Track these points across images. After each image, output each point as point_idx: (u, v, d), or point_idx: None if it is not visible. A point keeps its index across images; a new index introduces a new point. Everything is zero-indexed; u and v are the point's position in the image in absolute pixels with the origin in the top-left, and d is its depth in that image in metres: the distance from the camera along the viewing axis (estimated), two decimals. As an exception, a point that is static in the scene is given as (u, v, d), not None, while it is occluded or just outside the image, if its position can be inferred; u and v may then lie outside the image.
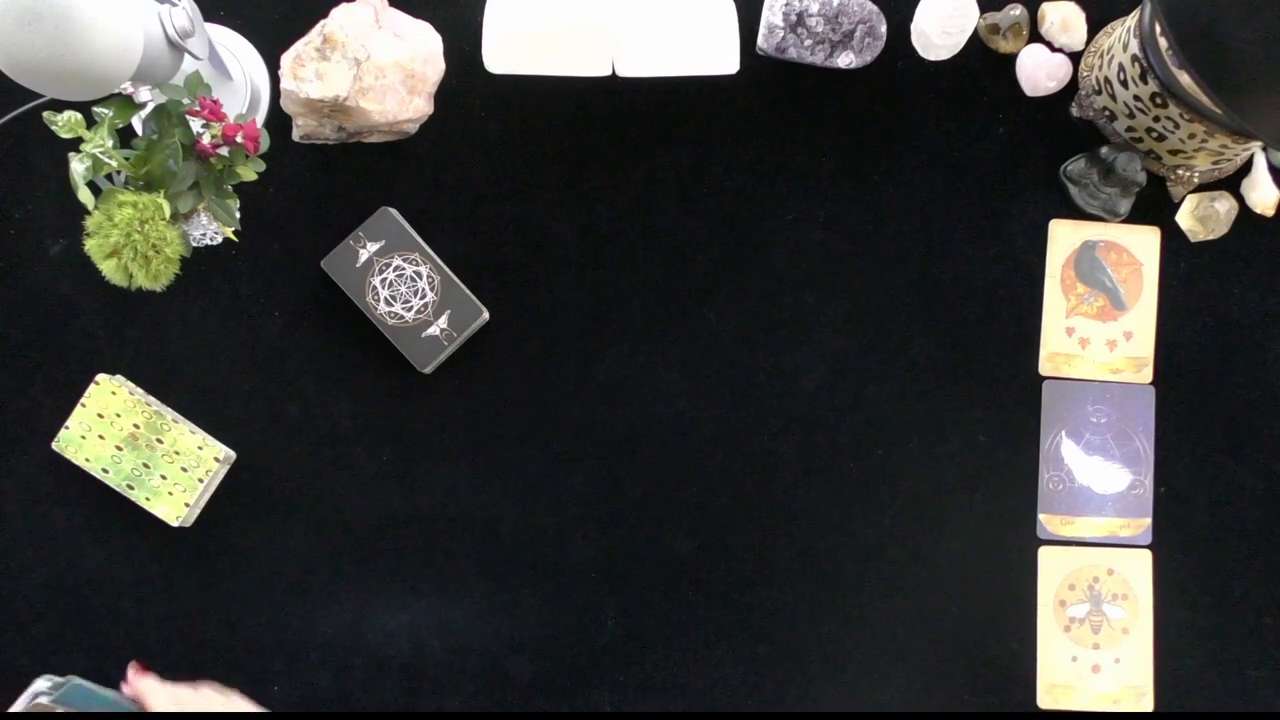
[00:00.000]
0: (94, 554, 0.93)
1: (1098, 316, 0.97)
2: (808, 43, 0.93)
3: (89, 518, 0.93)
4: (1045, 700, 0.95)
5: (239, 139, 0.81)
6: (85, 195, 0.76)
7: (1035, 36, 0.98)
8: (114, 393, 0.91)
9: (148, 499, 0.91)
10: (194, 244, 0.92)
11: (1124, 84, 0.91)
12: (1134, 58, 0.88)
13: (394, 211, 0.92)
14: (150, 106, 0.81)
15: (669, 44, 0.90)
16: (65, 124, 0.76)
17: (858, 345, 0.96)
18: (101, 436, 0.91)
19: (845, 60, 0.94)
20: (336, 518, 0.94)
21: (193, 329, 0.94)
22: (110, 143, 0.76)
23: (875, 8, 0.94)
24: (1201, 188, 0.97)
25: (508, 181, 0.96)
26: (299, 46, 0.87)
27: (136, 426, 0.91)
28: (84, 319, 0.94)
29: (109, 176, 0.78)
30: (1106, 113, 0.95)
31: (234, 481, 0.94)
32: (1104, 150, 0.95)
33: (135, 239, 0.77)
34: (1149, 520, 0.97)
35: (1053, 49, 0.97)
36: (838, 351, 0.96)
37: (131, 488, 0.91)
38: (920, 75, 0.97)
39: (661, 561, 0.94)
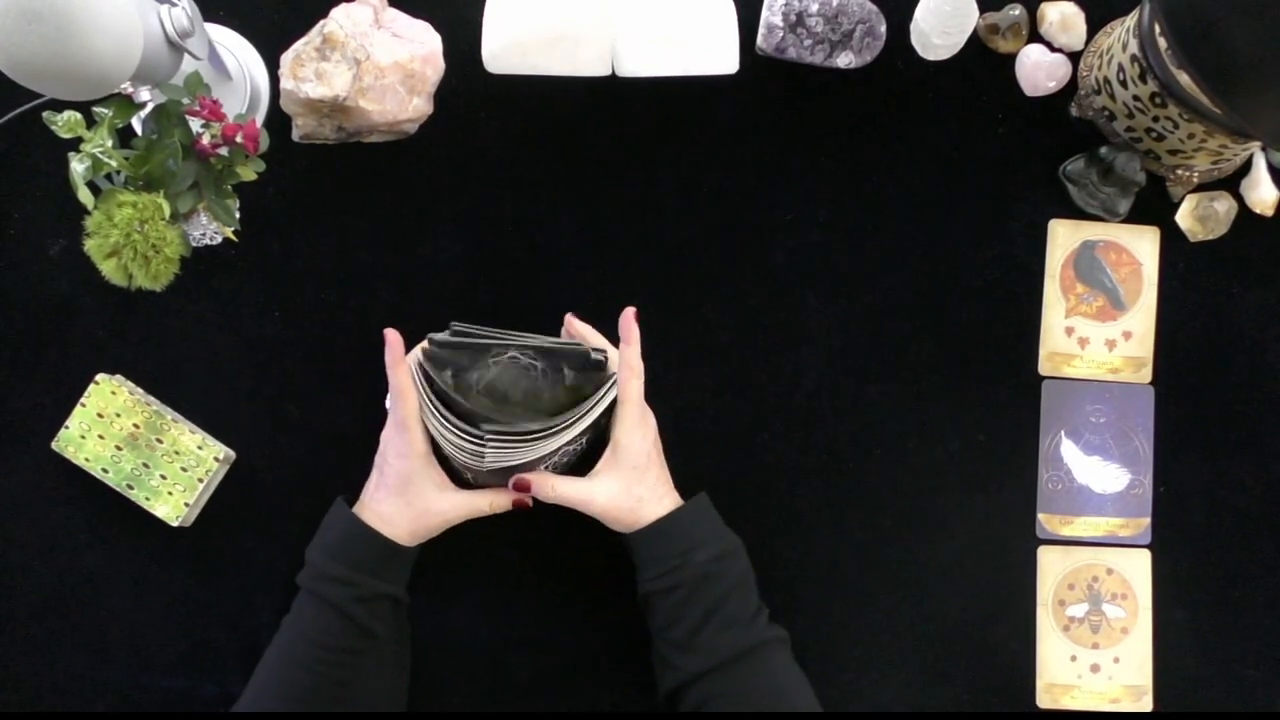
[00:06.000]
0: (94, 554, 0.93)
1: (1097, 316, 0.97)
2: (807, 43, 0.94)
3: (89, 518, 0.93)
4: (1044, 700, 0.96)
5: (239, 139, 0.81)
6: (85, 195, 0.76)
7: (1035, 36, 0.98)
8: (114, 392, 0.91)
9: (148, 499, 0.91)
10: (194, 244, 0.92)
11: (1123, 84, 0.91)
12: (1133, 58, 0.88)
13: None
14: (150, 106, 0.81)
15: (669, 44, 0.90)
16: (65, 124, 0.76)
17: (858, 345, 0.96)
18: (101, 436, 0.91)
19: (845, 60, 0.94)
20: (336, 518, 0.94)
21: (193, 329, 0.94)
22: (110, 143, 0.76)
23: (875, 8, 0.94)
24: (1201, 188, 0.97)
25: (508, 181, 0.96)
26: (299, 46, 0.87)
27: (136, 426, 0.91)
28: (84, 319, 0.94)
29: (109, 176, 0.78)
30: (1106, 113, 0.95)
31: (234, 481, 0.94)
32: (1103, 150, 0.95)
33: (135, 239, 0.77)
34: (1148, 520, 0.97)
35: (1052, 49, 0.97)
36: (838, 351, 0.96)
37: (131, 487, 0.91)
38: (920, 75, 0.97)
39: (661, 561, 0.94)
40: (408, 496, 0.84)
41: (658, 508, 0.85)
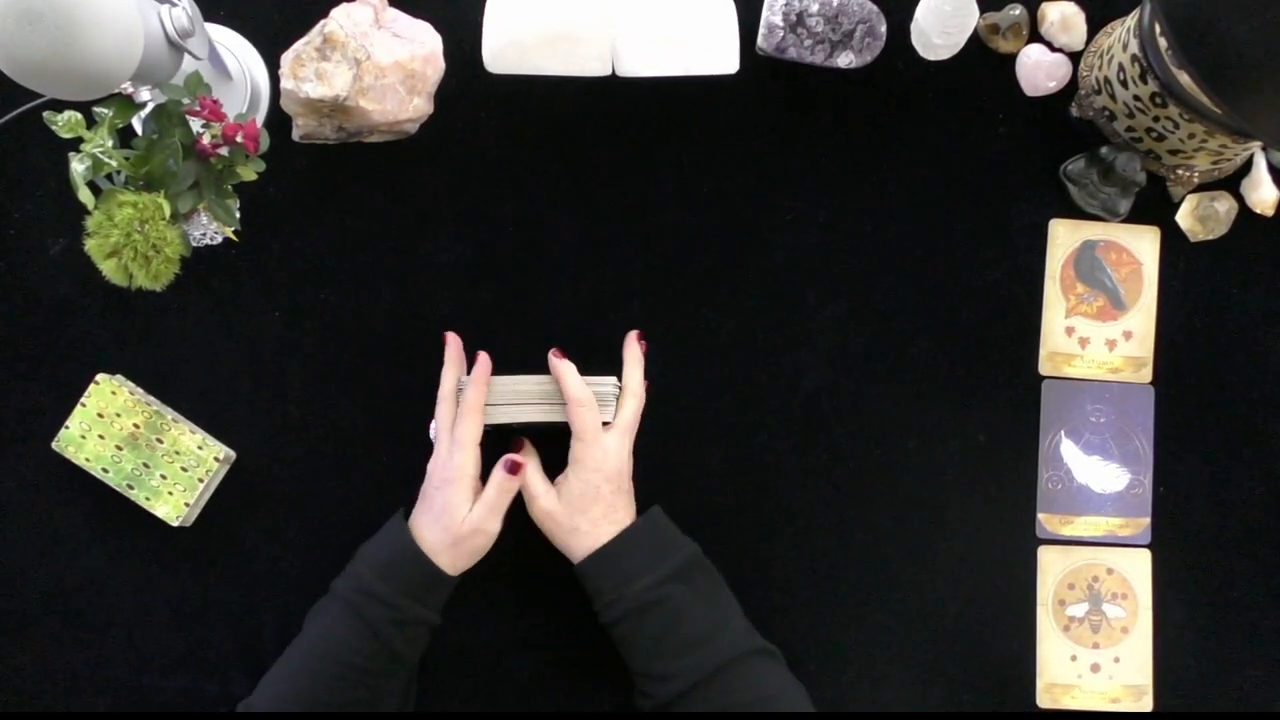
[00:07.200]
0: (94, 554, 0.93)
1: (1097, 316, 0.97)
2: (808, 43, 0.94)
3: (89, 518, 0.93)
4: (1044, 700, 0.96)
5: (239, 139, 0.81)
6: (85, 195, 0.76)
7: (1035, 36, 0.98)
8: (114, 392, 0.91)
9: (148, 499, 0.91)
10: (194, 244, 0.92)
11: (1124, 84, 0.91)
12: (1134, 58, 0.88)
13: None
14: (150, 106, 0.81)
15: (669, 44, 0.90)
16: (65, 124, 0.76)
17: (858, 345, 0.96)
18: (101, 436, 0.91)
19: (845, 60, 0.94)
20: (336, 518, 0.94)
21: (193, 329, 0.94)
22: (110, 143, 0.76)
23: (875, 8, 0.94)
24: (1201, 188, 0.97)
25: (508, 181, 0.96)
26: (299, 46, 0.87)
27: (136, 426, 0.91)
28: (84, 319, 0.94)
29: (109, 176, 0.78)
30: (1106, 113, 0.95)
31: (234, 481, 0.94)
32: (1104, 150, 0.95)
33: (135, 239, 0.77)
34: (1148, 520, 0.97)
35: (1052, 49, 0.97)
36: (838, 351, 0.96)
37: (131, 487, 0.91)
38: (920, 75, 0.97)
39: (661, 561, 0.94)
40: (445, 520, 0.85)
41: (595, 539, 0.85)
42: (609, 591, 0.83)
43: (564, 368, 0.87)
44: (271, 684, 0.84)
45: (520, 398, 0.88)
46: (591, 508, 0.85)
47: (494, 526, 0.86)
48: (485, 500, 0.85)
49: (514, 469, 0.86)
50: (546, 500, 0.86)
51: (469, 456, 0.85)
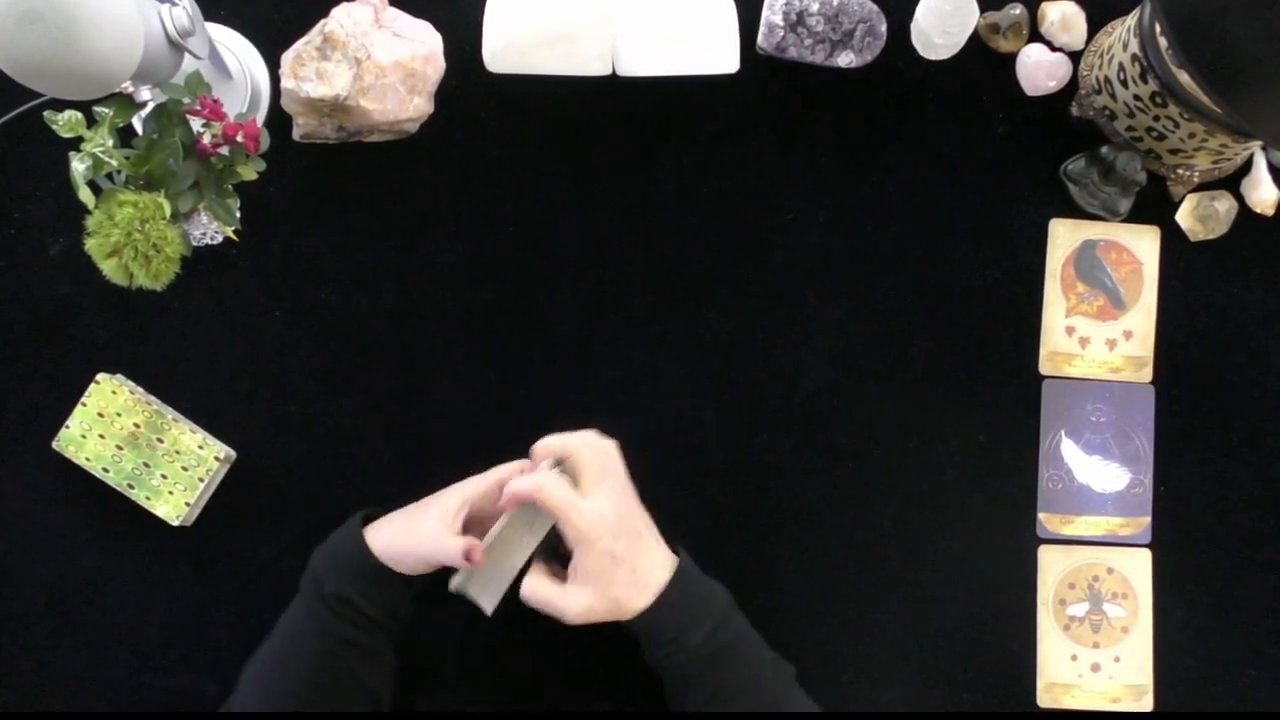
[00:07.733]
0: (94, 554, 0.93)
1: (1098, 316, 0.97)
2: (808, 42, 0.94)
3: (89, 518, 0.93)
4: (1045, 699, 0.96)
5: (239, 138, 0.81)
6: (85, 195, 0.76)
7: (1035, 36, 0.98)
8: (114, 392, 0.91)
9: (148, 498, 0.91)
10: (194, 243, 0.92)
11: (1124, 83, 0.91)
12: (1134, 57, 0.88)
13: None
14: (150, 106, 0.81)
15: (669, 44, 0.90)
16: (65, 124, 0.76)
17: (858, 345, 0.96)
18: (102, 436, 0.91)
19: (845, 60, 0.94)
20: (336, 518, 0.93)
21: (193, 329, 0.94)
22: (110, 142, 0.76)
23: (875, 7, 0.94)
24: (1201, 187, 0.97)
25: (508, 181, 0.96)
26: (299, 46, 0.87)
27: (137, 426, 0.91)
28: (84, 319, 0.94)
29: (109, 176, 0.78)
30: (1106, 112, 0.95)
31: (234, 481, 0.94)
32: (1104, 150, 0.95)
33: (136, 238, 0.77)
34: (1148, 519, 0.97)
35: (1053, 48, 0.97)
36: (838, 351, 0.96)
37: (132, 487, 0.91)
38: (920, 75, 0.97)
39: (661, 561, 0.94)
40: (412, 509, 0.85)
41: (641, 599, 0.80)
42: (665, 645, 0.80)
43: (507, 489, 0.81)
44: (246, 676, 0.84)
45: (507, 544, 0.83)
46: (617, 574, 0.79)
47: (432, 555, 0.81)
48: (444, 548, 0.80)
49: (467, 557, 0.80)
50: (572, 604, 0.80)
51: (461, 489, 0.83)
